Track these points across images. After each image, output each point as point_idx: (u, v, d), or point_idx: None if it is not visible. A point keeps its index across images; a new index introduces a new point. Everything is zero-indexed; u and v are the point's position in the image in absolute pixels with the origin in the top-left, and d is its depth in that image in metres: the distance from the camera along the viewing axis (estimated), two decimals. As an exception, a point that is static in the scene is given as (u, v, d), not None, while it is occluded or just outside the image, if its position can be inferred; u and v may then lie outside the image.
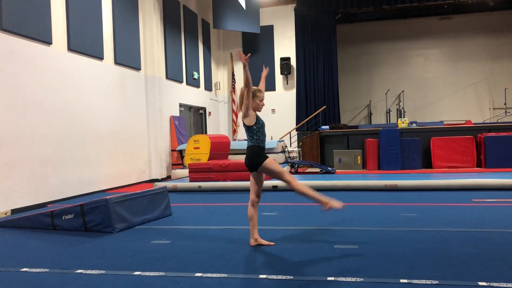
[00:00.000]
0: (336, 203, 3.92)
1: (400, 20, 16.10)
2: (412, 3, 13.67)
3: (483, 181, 7.41)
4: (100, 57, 9.03)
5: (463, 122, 13.23)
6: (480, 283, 2.96)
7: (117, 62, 9.62)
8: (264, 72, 4.47)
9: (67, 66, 8.07)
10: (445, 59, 16.25)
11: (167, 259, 3.87)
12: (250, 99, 4.04)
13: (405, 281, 3.06)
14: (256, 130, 4.11)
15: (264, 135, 4.17)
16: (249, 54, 4.21)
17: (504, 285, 2.92)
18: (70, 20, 8.11)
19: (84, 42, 8.50)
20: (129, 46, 10.15)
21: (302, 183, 4.03)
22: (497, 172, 9.19)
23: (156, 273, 3.45)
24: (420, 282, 3.02)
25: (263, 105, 4.21)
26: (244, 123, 4.15)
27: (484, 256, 3.60)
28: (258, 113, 4.20)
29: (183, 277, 3.34)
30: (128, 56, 10.08)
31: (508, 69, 15.10)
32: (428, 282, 3.02)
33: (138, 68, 10.50)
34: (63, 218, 5.19)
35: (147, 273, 3.46)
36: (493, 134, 10.61)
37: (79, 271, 3.58)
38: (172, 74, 11.94)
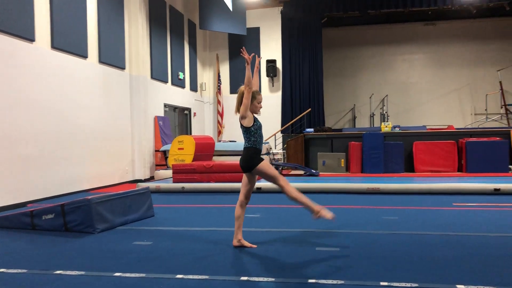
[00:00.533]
0: (327, 214, 3.90)
1: (385, 25, 16.27)
2: (397, 8, 13.84)
3: (463, 186, 7.52)
4: (84, 56, 8.94)
5: (446, 127, 13.41)
6: (458, 286, 3.00)
7: (101, 61, 9.53)
8: (256, 62, 4.34)
9: (51, 64, 7.97)
10: (429, 64, 16.47)
11: (149, 260, 3.84)
12: (250, 100, 4.00)
13: (385, 283, 3.09)
14: (253, 132, 4.08)
15: (261, 137, 4.15)
16: (253, 54, 4.16)
17: (482, 287, 2.97)
18: (54, 17, 8.01)
19: (68, 40, 8.41)
20: (114, 45, 10.06)
21: (295, 188, 4.01)
22: (477, 176, 9.33)
23: (137, 275, 3.42)
24: (400, 285, 3.05)
25: (261, 107, 4.18)
26: (241, 124, 4.11)
27: (463, 259, 3.65)
28: (255, 115, 4.17)
29: (164, 279, 3.32)
30: (112, 55, 9.99)
31: (490, 76, 15.37)
32: (408, 285, 3.05)
33: (122, 68, 10.42)
34: (43, 218, 5.11)
35: (127, 275, 3.42)
36: (474, 139, 10.77)
37: (58, 272, 3.53)
38: (157, 74, 11.88)
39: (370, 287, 3.05)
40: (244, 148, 4.16)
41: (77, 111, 8.69)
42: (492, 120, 14.44)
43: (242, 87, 4.07)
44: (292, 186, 4.01)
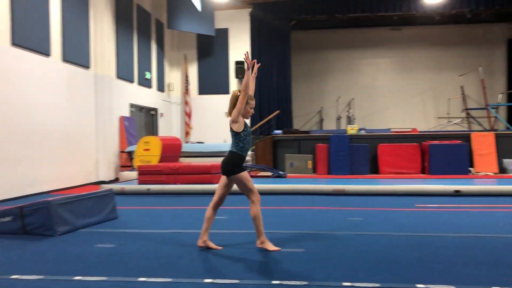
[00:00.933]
0: (272, 247, 4.02)
1: (353, 29, 16.53)
2: (364, 13, 14.09)
3: (425, 187, 7.71)
4: (47, 54, 8.69)
5: (409, 130, 13.73)
6: (418, 286, 3.06)
7: (65, 59, 9.29)
8: (255, 68, 4.22)
9: (11, 61, 7.70)
10: (394, 68, 16.85)
11: (110, 263, 3.75)
12: (244, 105, 3.96)
13: (348, 284, 3.12)
14: (242, 138, 4.04)
15: (249, 144, 4.11)
16: (254, 60, 4.09)
17: (440, 287, 3.03)
18: (14, 13, 7.75)
19: (29, 37, 8.15)
20: (78, 44, 9.83)
21: (260, 210, 4.06)
22: (439, 178, 9.58)
23: (98, 278, 3.33)
24: (363, 285, 3.09)
25: (253, 112, 4.14)
26: (231, 128, 4.04)
27: (424, 259, 3.73)
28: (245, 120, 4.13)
29: (126, 282, 3.25)
30: (77, 54, 9.76)
31: (452, 80, 15.82)
32: (370, 285, 3.10)
33: (87, 66, 10.19)
34: (0, 221, 4.92)
35: (88, 278, 3.34)
36: (436, 142, 11.07)
37: (14, 276, 3.40)
38: (123, 74, 11.67)
39: (333, 287, 3.07)
40: (230, 151, 4.11)
41: (38, 110, 8.43)
42: (454, 123, 14.87)
43: (236, 91, 4.05)
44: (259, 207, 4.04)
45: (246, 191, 4.07)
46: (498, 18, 15.51)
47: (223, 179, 4.16)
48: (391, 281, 3.17)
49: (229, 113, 4.07)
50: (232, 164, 4.04)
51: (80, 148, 9.84)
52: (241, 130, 4.02)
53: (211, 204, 4.20)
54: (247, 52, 4.16)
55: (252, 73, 4.12)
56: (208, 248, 4.13)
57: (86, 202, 5.31)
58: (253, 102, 4.10)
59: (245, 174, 4.05)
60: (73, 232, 4.95)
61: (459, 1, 13.41)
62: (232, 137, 4.08)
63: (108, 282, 3.26)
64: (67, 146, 9.30)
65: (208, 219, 4.18)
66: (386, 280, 3.20)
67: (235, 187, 4.15)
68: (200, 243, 4.15)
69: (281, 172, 10.70)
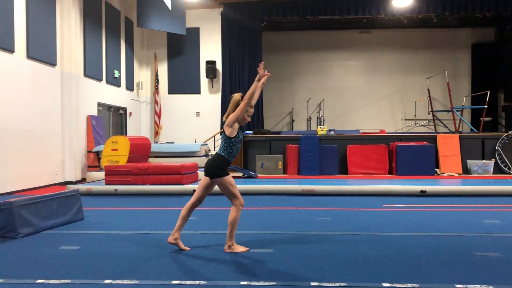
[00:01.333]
0: (240, 249, 4.05)
1: (323, 32, 16.69)
2: (334, 15, 14.24)
3: (392, 188, 7.86)
4: (11, 50, 8.42)
5: (378, 131, 13.99)
6: (384, 284, 3.11)
7: (30, 56, 9.02)
8: (264, 78, 4.10)
9: (-29, 57, 7.43)
10: (363, 71, 17.11)
11: (75, 265, 3.66)
12: (243, 112, 3.94)
13: (316, 283, 3.14)
14: (232, 143, 4.01)
15: (237, 150, 4.08)
16: (268, 74, 4.07)
17: (405, 285, 3.09)
18: (-24, 7, 7.48)
19: (-8, 32, 7.88)
20: (44, 40, 9.56)
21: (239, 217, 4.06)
22: (406, 179, 9.80)
23: (62, 281, 3.25)
24: (330, 285, 3.12)
25: (249, 120, 4.11)
26: (224, 132, 4.01)
27: (390, 258, 3.80)
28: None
29: (90, 285, 3.18)
30: (42, 51, 9.49)
31: (419, 83, 16.19)
32: (337, 284, 3.13)
33: (53, 64, 9.92)
34: (-41, 223, 4.73)
35: (51, 281, 3.25)
36: (404, 143, 11.31)
37: (-28, 280, 3.28)
38: (91, 72, 11.42)
39: (300, 287, 3.09)
40: (217, 154, 4.08)
41: (0, 108, 8.16)
42: (421, 125, 15.22)
43: (237, 95, 4.02)
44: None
45: (229, 195, 4.05)
46: (463, 23, 15.97)
47: (204, 180, 4.12)
48: (358, 280, 3.21)
49: (226, 116, 4.04)
50: (216, 166, 4.01)
51: (45, 147, 9.58)
52: (233, 136, 4.00)
53: (189, 203, 4.17)
54: (262, 63, 4.10)
55: (260, 83, 4.10)
56: (177, 247, 4.08)
57: (50, 203, 5.16)
58: (252, 110, 4.08)
59: (229, 178, 4.02)
60: (37, 234, 4.81)
61: (426, 5, 13.72)
62: (222, 141, 4.06)
63: (72, 285, 3.18)
64: (31, 146, 9.03)
65: (183, 217, 4.15)
66: (353, 279, 3.24)
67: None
68: (171, 239, 4.11)
69: (251, 173, 10.70)
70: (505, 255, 3.87)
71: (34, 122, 9.15)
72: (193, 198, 4.18)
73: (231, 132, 3.99)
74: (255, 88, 3.96)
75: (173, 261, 3.78)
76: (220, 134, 4.04)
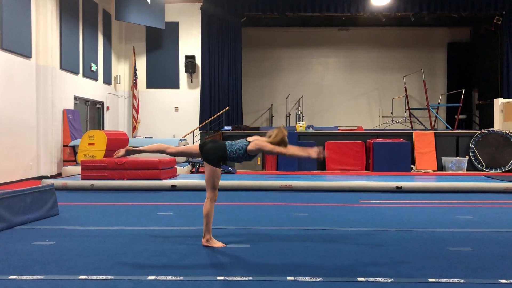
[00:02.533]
0: (217, 244, 4.04)
1: (302, 28, 16.75)
2: (313, 12, 14.30)
3: (369, 184, 7.96)
4: (-17, 41, 8.21)
5: (355, 128, 14.14)
6: (359, 279, 3.16)
7: (3, 47, 8.81)
8: (315, 155, 3.97)
9: None
10: (342, 68, 17.24)
11: (49, 261, 3.60)
12: (272, 150, 4.02)
13: (292, 278, 3.17)
14: (242, 155, 4.04)
15: (238, 160, 4.14)
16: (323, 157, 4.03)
17: (380, 279, 3.14)
18: None
19: (-37, 23, 7.65)
20: (19, 32, 9.34)
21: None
22: (382, 175, 9.94)
23: (34, 277, 3.19)
24: (306, 280, 3.15)
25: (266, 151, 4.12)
26: (253, 149, 4.02)
27: (365, 253, 3.85)
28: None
29: (64, 280, 3.14)
30: (17, 43, 9.27)
31: (396, 81, 16.41)
32: (313, 279, 3.16)
33: (28, 56, 9.71)
34: None
35: (23, 277, 3.19)
36: (380, 140, 11.46)
37: None
38: (68, 65, 11.22)
39: (277, 282, 3.11)
40: (225, 145, 4.09)
41: (-27, 101, 7.96)
42: (397, 122, 15.46)
43: (285, 132, 4.02)
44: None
45: (209, 185, 4.05)
46: (439, 22, 16.24)
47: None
48: (334, 275, 3.24)
49: (270, 139, 4.02)
50: (217, 156, 4.04)
51: (20, 141, 9.38)
52: (252, 154, 4.06)
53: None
54: (320, 149, 4.00)
55: (308, 155, 4.01)
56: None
57: (24, 197, 5.06)
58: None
59: (218, 171, 4.04)
60: (9, 230, 4.71)
61: (403, 4, 13.89)
62: (240, 147, 4.05)
63: (44, 281, 3.13)
64: (4, 139, 8.83)
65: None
66: (329, 274, 3.27)
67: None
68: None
69: (230, 168, 10.70)
70: (476, 250, 3.96)
71: (7, 115, 8.95)
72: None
73: (255, 152, 4.05)
74: (302, 154, 4.01)
75: (150, 256, 3.75)
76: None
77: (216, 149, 4.07)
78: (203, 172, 11.04)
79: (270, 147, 4.01)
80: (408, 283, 3.09)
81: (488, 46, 15.40)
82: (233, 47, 14.62)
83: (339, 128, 13.49)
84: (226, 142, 4.17)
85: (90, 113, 12.94)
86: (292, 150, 4.07)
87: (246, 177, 9.29)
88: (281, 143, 4.02)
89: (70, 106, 11.39)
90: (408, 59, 16.83)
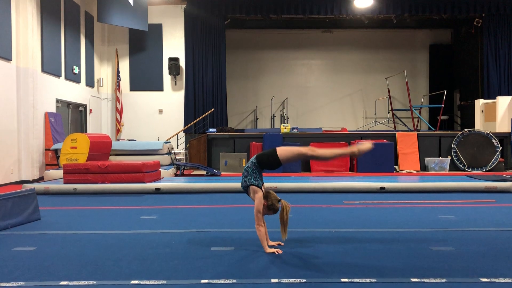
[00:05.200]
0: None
1: (286, 30, 16.81)
2: (297, 14, 14.35)
3: (353, 184, 8.02)
4: (-38, 43, 8.06)
5: (339, 129, 14.23)
6: (343, 280, 3.17)
7: (-18, 50, 8.66)
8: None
9: None
10: (326, 70, 17.35)
11: (30, 267, 3.55)
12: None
13: (276, 280, 3.17)
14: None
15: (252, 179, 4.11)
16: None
17: (363, 280, 3.16)
18: None
19: None
20: (-2, 34, 9.20)
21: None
22: (366, 176, 10.00)
23: (15, 283, 3.14)
24: (290, 281, 3.15)
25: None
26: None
27: (349, 254, 3.88)
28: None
29: (46, 287, 3.09)
30: (-4, 45, 9.13)
31: (379, 82, 16.57)
32: (297, 280, 3.17)
33: (8, 59, 9.55)
34: None
35: (3, 284, 3.13)
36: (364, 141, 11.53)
37: None
38: (49, 67, 11.07)
39: (261, 284, 3.10)
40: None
41: (-49, 105, 7.80)
42: (381, 123, 15.60)
43: (274, 201, 4.06)
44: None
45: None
46: (421, 24, 16.45)
47: None
48: (318, 277, 3.26)
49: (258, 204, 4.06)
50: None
51: (0, 145, 9.22)
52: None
53: None
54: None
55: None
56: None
57: (4, 202, 4.97)
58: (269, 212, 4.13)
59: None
60: (-11, 235, 4.63)
61: (386, 6, 14.04)
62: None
63: (25, 287, 3.08)
64: (-16, 144, 8.68)
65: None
66: (312, 275, 3.28)
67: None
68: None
69: (215, 171, 10.67)
70: (458, 249, 4.01)
71: (-13, 119, 8.80)
72: None
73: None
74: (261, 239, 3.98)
75: (133, 260, 3.71)
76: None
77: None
78: (188, 175, 11.02)
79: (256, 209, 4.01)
80: (391, 283, 3.12)
81: (469, 48, 15.65)
82: (217, 49, 14.60)
83: (323, 129, 13.56)
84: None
85: (73, 116, 12.78)
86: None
87: (231, 179, 9.26)
88: (270, 208, 4.05)
89: (52, 109, 11.25)
90: (391, 60, 17.01)
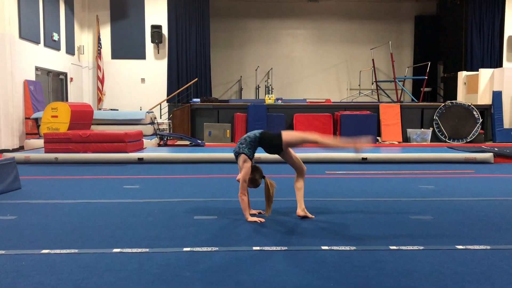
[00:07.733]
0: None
1: (271, -1, 16.56)
2: (283, -18, 14.12)
3: (335, 155, 8.09)
4: None
5: (324, 100, 14.24)
6: (323, 247, 3.23)
7: (-44, 14, 8.34)
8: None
9: None
10: (311, 40, 17.19)
11: (10, 236, 3.52)
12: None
13: (258, 248, 3.21)
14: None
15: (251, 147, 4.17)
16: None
17: (343, 248, 3.22)
18: None
19: None
20: (-28, -3, 8.85)
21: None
22: (349, 147, 10.06)
23: (-5, 252, 3.12)
24: (271, 249, 3.19)
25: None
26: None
27: (330, 223, 3.94)
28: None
29: (27, 255, 3.08)
30: (-29, 9, 8.80)
31: (364, 54, 16.51)
32: (279, 248, 3.21)
33: (-16, 24, 9.25)
34: None
35: (-17, 253, 3.11)
36: (348, 112, 11.59)
37: None
38: (27, 34, 10.74)
39: (242, 252, 3.14)
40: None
41: None
42: (365, 95, 15.65)
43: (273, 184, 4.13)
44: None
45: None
46: (407, -5, 16.36)
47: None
48: (299, 244, 3.30)
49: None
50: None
51: (-22, 114, 9.02)
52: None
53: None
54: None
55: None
56: (306, 217, 4.06)
57: (-17, 172, 4.90)
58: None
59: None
60: (-32, 205, 4.57)
61: (372, -24, 13.88)
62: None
63: (6, 255, 3.06)
64: (-39, 112, 8.47)
65: (296, 188, 4.19)
66: (294, 243, 3.33)
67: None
68: (299, 212, 4.08)
69: (199, 141, 10.64)
70: (436, 218, 4.10)
71: (-37, 86, 8.56)
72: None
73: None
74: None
75: (115, 229, 3.71)
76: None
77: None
78: (171, 145, 10.97)
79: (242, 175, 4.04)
80: (370, 251, 3.18)
81: (454, 20, 15.62)
82: (201, 17, 14.32)
83: (307, 100, 13.55)
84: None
85: (53, 84, 12.52)
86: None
87: (215, 149, 9.25)
88: (252, 181, 4.10)
89: (32, 77, 10.98)
90: (376, 31, 16.93)
